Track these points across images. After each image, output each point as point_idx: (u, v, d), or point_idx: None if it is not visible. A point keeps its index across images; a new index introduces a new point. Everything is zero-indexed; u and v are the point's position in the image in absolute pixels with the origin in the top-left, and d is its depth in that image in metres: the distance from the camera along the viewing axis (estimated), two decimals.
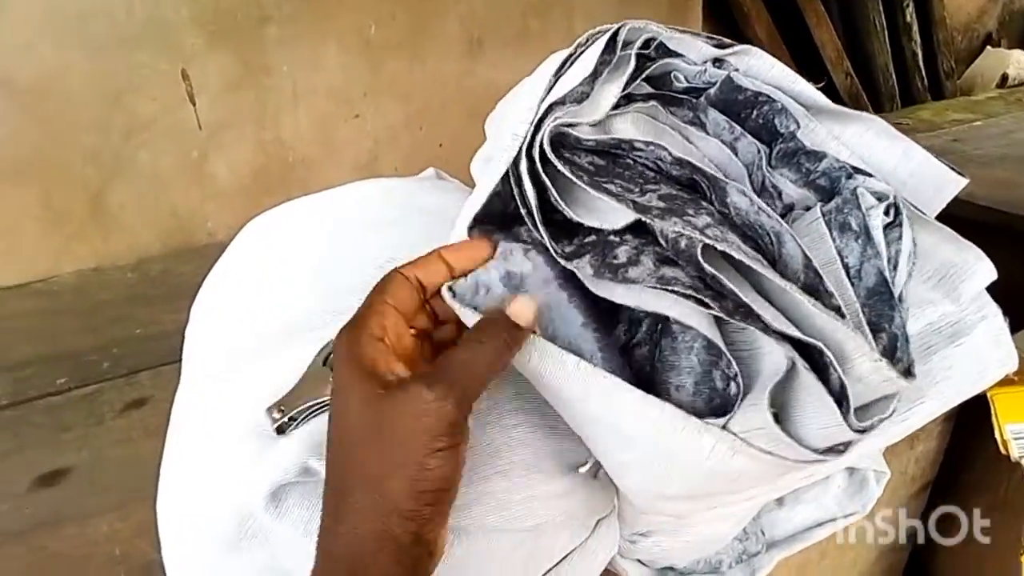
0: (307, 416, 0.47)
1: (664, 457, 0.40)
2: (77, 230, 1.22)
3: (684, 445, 0.38)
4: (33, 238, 1.18)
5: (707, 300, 0.39)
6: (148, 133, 1.24)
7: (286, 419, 0.46)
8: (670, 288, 0.39)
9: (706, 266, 0.39)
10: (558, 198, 0.44)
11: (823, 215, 0.46)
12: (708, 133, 0.53)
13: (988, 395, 0.74)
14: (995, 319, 0.54)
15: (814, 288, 0.41)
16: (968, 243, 0.52)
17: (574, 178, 0.43)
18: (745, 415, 0.38)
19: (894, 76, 2.11)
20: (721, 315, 0.38)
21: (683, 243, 0.41)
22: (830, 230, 0.45)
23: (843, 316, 0.39)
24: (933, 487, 0.87)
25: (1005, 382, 0.77)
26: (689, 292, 0.39)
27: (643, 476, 0.42)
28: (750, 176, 0.52)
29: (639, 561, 0.55)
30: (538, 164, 0.44)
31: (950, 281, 0.52)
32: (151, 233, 1.28)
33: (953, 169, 0.52)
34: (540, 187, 0.44)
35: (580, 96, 0.47)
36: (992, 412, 0.74)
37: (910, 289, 0.51)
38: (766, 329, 0.38)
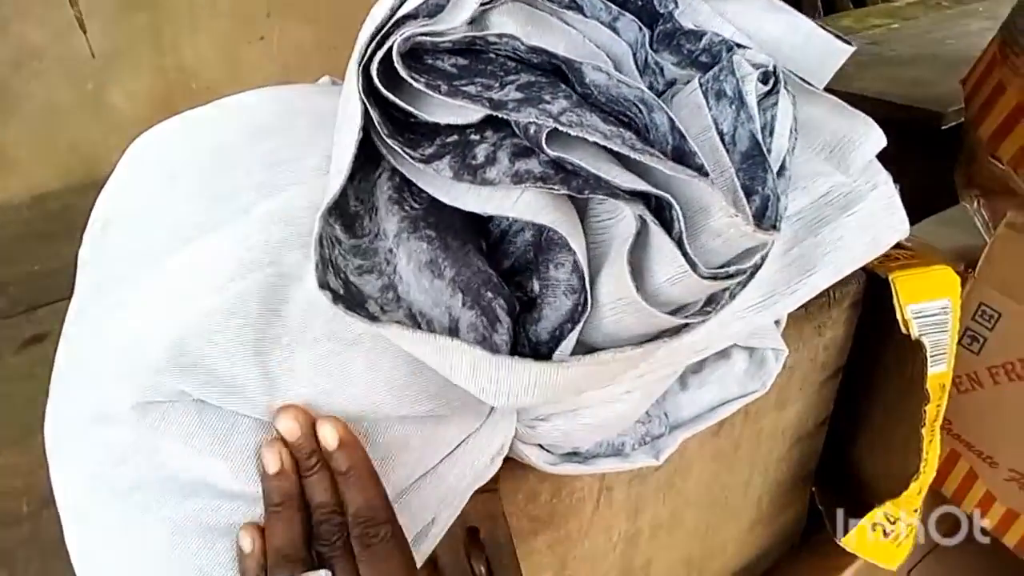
0: None
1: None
2: None
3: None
4: None
5: (555, 185, 0.39)
6: (39, 63, 1.16)
7: None
8: (523, 183, 0.39)
9: (549, 152, 0.39)
10: (406, 104, 0.43)
11: (700, 85, 0.45)
12: (586, 16, 0.52)
13: (889, 278, 0.76)
14: (886, 186, 0.54)
15: (681, 151, 0.40)
16: (856, 111, 0.52)
17: (428, 90, 0.42)
18: (607, 285, 0.38)
19: None
20: (570, 193, 0.38)
21: (532, 130, 0.40)
22: (707, 99, 0.45)
23: (706, 175, 0.38)
24: (845, 374, 0.90)
25: (905, 264, 0.78)
26: (539, 184, 0.39)
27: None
28: (634, 55, 0.51)
29: (541, 447, 0.55)
30: (376, 80, 0.43)
31: (840, 152, 0.52)
32: (48, 169, 1.21)
33: (839, 38, 0.51)
34: (386, 100, 0.44)
35: (434, 9, 0.46)
36: (893, 294, 0.76)
37: (800, 162, 0.51)
38: (616, 192, 0.37)
